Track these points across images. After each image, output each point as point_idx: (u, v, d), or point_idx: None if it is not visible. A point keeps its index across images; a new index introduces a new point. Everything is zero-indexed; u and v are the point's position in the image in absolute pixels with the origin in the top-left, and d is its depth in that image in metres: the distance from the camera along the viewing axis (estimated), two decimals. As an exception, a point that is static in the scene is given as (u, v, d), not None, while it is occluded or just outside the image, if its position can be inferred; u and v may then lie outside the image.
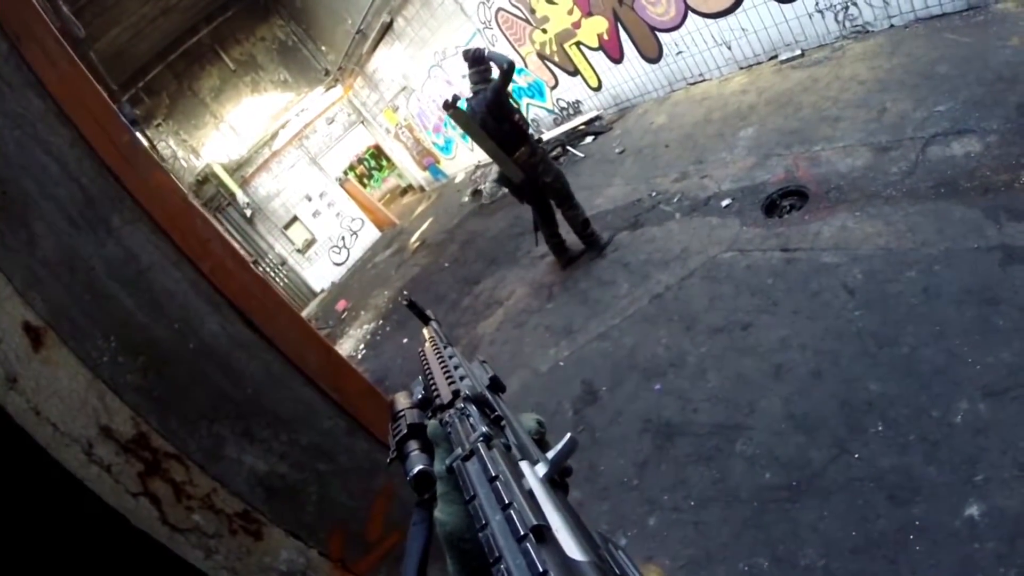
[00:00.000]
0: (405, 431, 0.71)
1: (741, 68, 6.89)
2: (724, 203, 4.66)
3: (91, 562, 1.24)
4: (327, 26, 13.47)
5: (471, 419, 0.59)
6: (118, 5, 9.54)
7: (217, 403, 1.52)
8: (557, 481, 0.53)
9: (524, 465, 0.48)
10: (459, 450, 0.52)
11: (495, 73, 4.75)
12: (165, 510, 1.35)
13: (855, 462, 2.37)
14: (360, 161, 18.24)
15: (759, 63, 6.64)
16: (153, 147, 12.06)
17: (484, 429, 0.54)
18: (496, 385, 0.74)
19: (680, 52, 7.34)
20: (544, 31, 8.75)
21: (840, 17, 5.63)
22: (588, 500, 3.04)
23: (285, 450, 1.59)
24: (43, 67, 1.44)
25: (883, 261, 3.13)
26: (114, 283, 1.43)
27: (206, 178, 13.58)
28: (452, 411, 0.62)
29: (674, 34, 7.18)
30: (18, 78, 1.41)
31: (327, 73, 14.59)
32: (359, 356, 7.92)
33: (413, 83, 12.66)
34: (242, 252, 10.54)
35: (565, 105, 9.75)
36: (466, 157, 13.11)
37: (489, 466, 0.46)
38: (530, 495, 0.43)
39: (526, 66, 9.60)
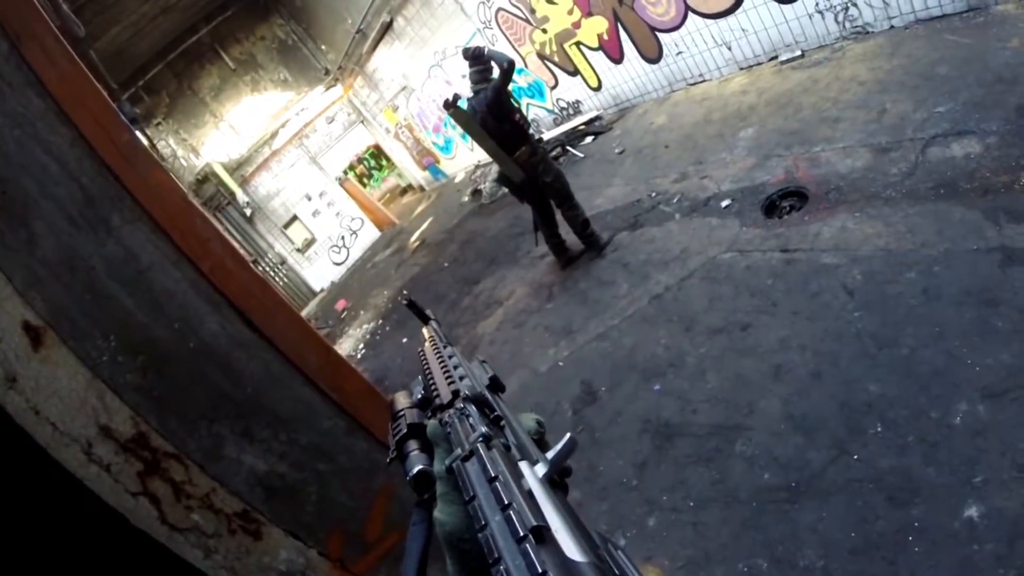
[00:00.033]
0: (405, 431, 0.71)
1: (741, 69, 6.89)
2: (724, 204, 4.66)
3: (91, 562, 1.24)
4: (327, 25, 13.47)
5: (471, 419, 0.59)
6: (118, 4, 9.54)
7: (217, 403, 1.52)
8: (557, 481, 0.53)
9: (524, 465, 0.48)
10: (459, 450, 0.52)
11: (496, 72, 4.75)
12: (164, 510, 1.34)
13: (854, 463, 2.37)
14: (360, 161, 18.24)
15: (759, 64, 6.65)
16: (153, 146, 12.06)
17: (483, 429, 0.54)
18: (496, 385, 0.74)
19: (680, 52, 7.34)
20: (544, 31, 8.75)
21: (840, 18, 5.63)
22: (587, 500, 3.05)
23: (284, 450, 1.59)
24: (43, 66, 1.44)
25: (883, 262, 3.14)
26: (114, 283, 1.43)
27: (206, 177, 13.58)
28: (452, 411, 0.62)
29: (674, 34, 7.19)
30: (18, 77, 1.41)
31: (327, 72, 14.59)
32: (358, 356, 7.92)
33: (413, 83, 12.66)
34: (242, 251, 10.53)
35: (565, 105, 9.76)
36: (466, 157, 13.12)
37: (489, 466, 0.46)
38: (529, 495, 0.43)
39: (526, 66, 9.60)
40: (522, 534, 0.38)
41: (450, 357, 0.82)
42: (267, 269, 13.94)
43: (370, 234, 15.17)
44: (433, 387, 0.74)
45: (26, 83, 1.42)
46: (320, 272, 14.82)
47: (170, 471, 1.39)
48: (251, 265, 1.89)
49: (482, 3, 9.28)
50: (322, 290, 14.59)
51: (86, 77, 1.55)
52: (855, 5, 5.43)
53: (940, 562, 1.93)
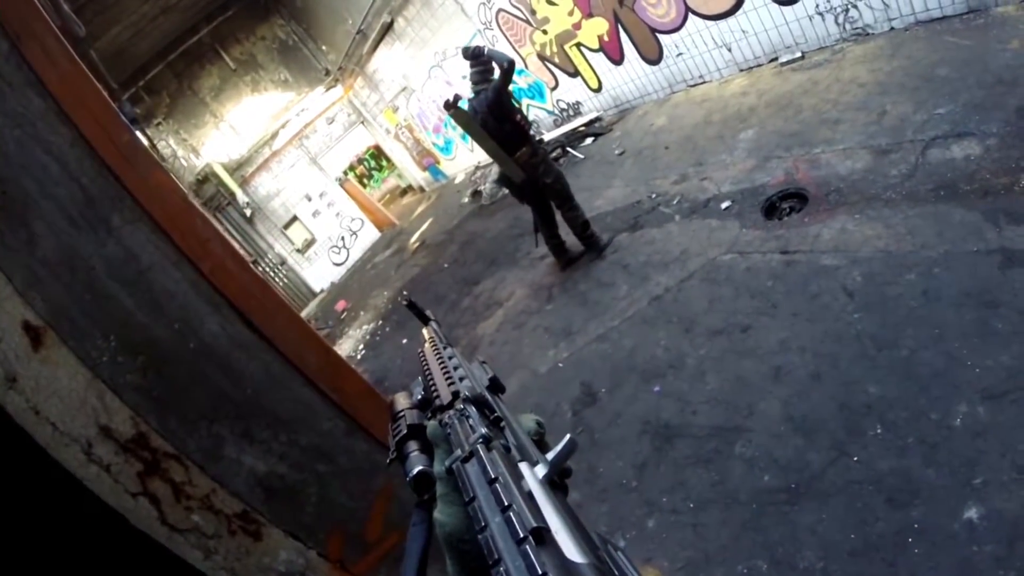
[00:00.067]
0: (405, 432, 0.71)
1: (741, 70, 6.89)
2: (724, 205, 4.66)
3: (90, 562, 1.24)
4: (328, 26, 13.48)
5: (471, 420, 0.59)
6: (119, 4, 9.54)
7: (217, 403, 1.52)
8: (556, 482, 0.53)
9: (524, 466, 0.48)
10: (459, 451, 0.52)
11: (496, 73, 4.75)
12: (164, 510, 1.34)
13: (854, 465, 2.37)
14: (360, 161, 18.26)
15: (759, 65, 6.65)
16: (153, 146, 12.06)
17: (483, 430, 0.54)
18: (496, 386, 0.74)
19: (680, 54, 7.35)
20: (544, 32, 8.75)
21: (840, 19, 5.64)
22: (587, 502, 3.04)
23: (284, 451, 1.59)
24: (43, 66, 1.44)
25: (882, 264, 3.14)
26: (114, 283, 1.43)
27: (206, 177, 13.58)
28: (452, 412, 0.62)
29: (674, 36, 7.19)
30: (18, 77, 1.41)
31: (327, 73, 14.60)
32: (358, 357, 7.92)
33: (413, 83, 12.67)
34: (242, 252, 10.54)
35: (565, 106, 9.76)
36: (466, 158, 13.12)
37: (488, 468, 0.46)
38: (529, 497, 0.43)
39: (526, 67, 9.61)
40: (522, 535, 0.38)
41: (450, 358, 0.82)
42: (267, 270, 13.94)
43: (370, 235, 15.18)
44: (433, 388, 0.74)
45: (26, 83, 1.42)
46: (320, 273, 14.82)
47: (170, 471, 1.39)
48: (251, 266, 1.89)
49: (483, 4, 9.29)
50: (322, 291, 14.59)
51: (86, 77, 1.55)
52: (855, 7, 5.43)
53: (940, 563, 1.93)
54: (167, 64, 13.19)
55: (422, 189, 16.38)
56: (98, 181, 1.47)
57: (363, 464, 1.74)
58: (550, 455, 0.52)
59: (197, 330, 1.53)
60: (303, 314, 12.58)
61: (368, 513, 1.72)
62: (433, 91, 12.11)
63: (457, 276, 7.70)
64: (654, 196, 5.64)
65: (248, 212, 13.87)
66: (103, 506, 1.26)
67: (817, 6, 5.70)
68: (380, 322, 8.57)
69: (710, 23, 6.71)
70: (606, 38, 8.02)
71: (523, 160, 4.85)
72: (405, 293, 8.60)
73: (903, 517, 2.10)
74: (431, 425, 0.61)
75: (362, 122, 15.86)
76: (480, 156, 11.37)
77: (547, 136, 9.33)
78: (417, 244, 11.11)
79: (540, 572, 0.35)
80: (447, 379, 0.73)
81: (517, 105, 5.05)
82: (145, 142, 9.29)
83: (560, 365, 4.35)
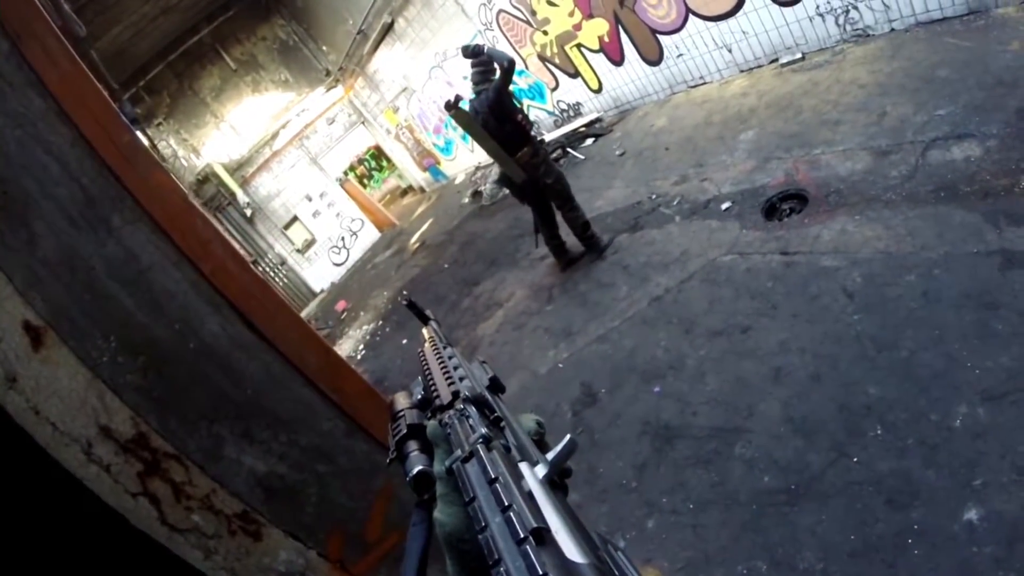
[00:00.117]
0: (404, 431, 0.71)
1: (742, 71, 6.89)
2: (724, 206, 4.66)
3: (90, 562, 1.24)
4: (328, 26, 13.48)
5: (471, 420, 0.59)
6: (119, 4, 9.54)
7: (217, 404, 1.52)
8: (557, 482, 0.53)
9: (524, 466, 0.48)
10: (459, 451, 0.52)
11: (498, 74, 4.75)
12: (164, 510, 1.34)
13: (854, 466, 2.37)
14: (360, 162, 18.26)
15: (760, 66, 6.65)
16: (153, 146, 12.06)
17: (483, 430, 0.54)
18: (496, 386, 0.74)
19: (681, 55, 7.35)
20: (545, 33, 8.76)
21: (841, 21, 5.64)
22: (587, 502, 3.04)
23: (284, 451, 1.59)
24: (44, 66, 1.44)
25: (882, 265, 3.14)
26: (114, 283, 1.43)
27: (206, 177, 13.59)
28: (451, 412, 0.62)
29: (675, 36, 7.19)
30: (19, 77, 1.41)
31: (328, 73, 14.60)
32: (358, 357, 7.92)
33: (414, 84, 12.67)
34: (242, 252, 10.55)
35: (565, 107, 9.76)
36: (466, 158, 13.12)
37: (489, 468, 0.46)
38: (530, 497, 0.43)
39: (527, 68, 9.61)
40: (522, 535, 0.38)
41: (450, 358, 0.82)
42: (267, 270, 13.95)
43: (370, 235, 15.18)
44: (433, 388, 0.74)
45: (27, 83, 1.42)
46: (320, 273, 14.82)
47: (170, 472, 1.39)
48: (251, 266, 1.89)
49: (483, 4, 9.29)
50: (322, 291, 14.59)
51: (87, 77, 1.55)
52: (856, 8, 5.44)
53: (939, 565, 1.93)
54: (168, 64, 13.20)
55: (422, 189, 16.38)
56: (98, 181, 1.47)
57: (363, 464, 1.74)
58: (550, 455, 0.52)
59: (197, 330, 1.53)
60: (303, 314, 12.58)
61: (368, 513, 1.72)
62: (433, 92, 12.11)
63: (457, 277, 7.70)
64: (654, 197, 5.64)
65: (248, 212, 13.87)
66: (103, 506, 1.26)
67: (817, 7, 5.70)
68: (380, 322, 8.57)
69: (710, 24, 6.71)
70: (606, 39, 8.02)
71: (524, 160, 4.85)
72: (405, 293, 8.60)
73: (903, 518, 2.10)
74: (431, 425, 0.61)
75: (362, 122, 15.86)
76: (480, 157, 11.38)
77: (548, 137, 9.33)
78: (417, 244, 11.12)
79: (540, 572, 0.35)
80: (447, 379, 0.73)
81: (518, 105, 5.05)
82: (145, 142, 9.29)
83: (560, 366, 4.35)
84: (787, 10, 5.96)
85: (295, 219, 14.72)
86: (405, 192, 18.00)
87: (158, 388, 1.43)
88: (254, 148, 14.28)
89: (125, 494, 1.30)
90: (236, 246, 10.30)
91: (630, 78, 8.26)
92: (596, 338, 4.33)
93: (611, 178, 6.86)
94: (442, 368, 0.78)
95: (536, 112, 10.28)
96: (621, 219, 5.72)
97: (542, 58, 9.26)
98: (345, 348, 8.62)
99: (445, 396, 0.68)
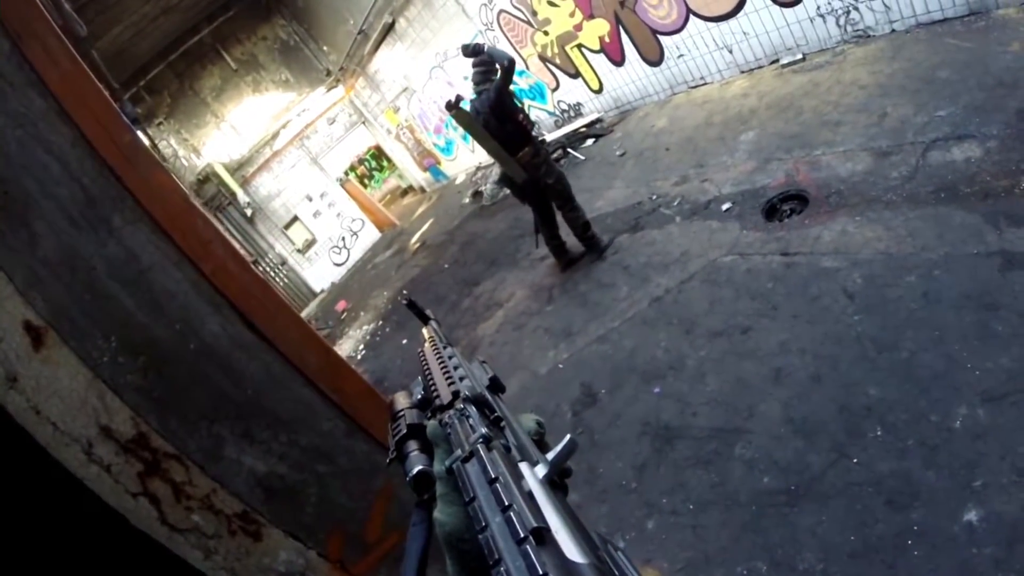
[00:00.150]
0: (404, 431, 0.71)
1: (742, 72, 6.89)
2: (724, 207, 4.66)
3: (91, 562, 1.24)
4: (329, 26, 13.49)
5: (471, 420, 0.59)
6: (120, 3, 9.54)
7: (217, 404, 1.52)
8: (557, 482, 0.53)
9: (524, 466, 0.48)
10: (459, 451, 0.52)
11: (499, 74, 4.75)
12: (164, 510, 1.35)
13: (854, 467, 2.37)
14: (361, 162, 18.26)
15: (760, 67, 6.65)
16: (154, 146, 12.06)
17: (484, 430, 0.54)
18: (496, 386, 0.74)
19: (681, 55, 7.35)
20: (546, 33, 8.76)
21: (842, 21, 5.64)
22: (587, 503, 3.04)
23: (284, 451, 1.59)
24: (45, 66, 1.45)
25: (883, 266, 3.14)
26: (115, 283, 1.43)
27: (207, 177, 13.59)
28: (452, 412, 0.62)
29: (675, 37, 7.19)
30: (20, 77, 1.41)
31: (328, 73, 14.61)
32: (358, 357, 7.92)
33: (414, 84, 12.68)
34: (242, 252, 10.55)
35: (566, 107, 9.76)
36: (467, 158, 13.13)
37: (489, 468, 0.46)
38: (530, 497, 0.43)
39: (527, 68, 9.61)
40: (522, 535, 0.38)
41: (450, 357, 0.82)
42: (267, 270, 13.95)
43: (370, 235, 15.18)
44: (433, 387, 0.74)
45: (28, 83, 1.42)
46: (320, 273, 14.82)
47: (170, 472, 1.39)
48: (252, 266, 1.89)
49: (484, 5, 9.29)
50: (322, 291, 14.59)
51: (88, 77, 1.55)
52: (856, 9, 5.44)
53: (939, 566, 1.93)
54: (168, 64, 13.20)
55: (423, 190, 16.38)
56: (99, 181, 1.47)
57: (363, 464, 1.74)
58: (550, 455, 0.52)
59: (198, 330, 1.54)
60: (303, 314, 12.59)
61: (368, 513, 1.72)
62: (434, 92, 12.12)
63: (457, 277, 7.70)
64: (655, 197, 5.64)
65: (249, 212, 13.87)
66: (103, 506, 1.26)
67: (818, 8, 5.70)
68: (380, 322, 8.57)
69: (711, 25, 6.71)
70: (607, 39, 8.02)
71: (525, 160, 4.85)
72: (405, 293, 8.60)
73: (903, 519, 2.10)
74: (431, 425, 0.61)
75: (363, 122, 15.86)
76: (481, 157, 11.38)
77: (549, 137, 9.33)
78: (417, 245, 11.12)
79: (540, 572, 0.35)
80: (447, 379, 0.73)
81: (519, 105, 5.05)
82: (146, 142, 9.28)
83: (560, 366, 4.35)
84: (788, 11, 5.96)
85: (295, 219, 14.71)
86: (405, 192, 18.00)
87: (158, 388, 1.43)
88: (254, 148, 14.29)
89: (125, 494, 1.30)
90: (236, 246, 10.30)
91: (631, 78, 8.26)
92: (596, 338, 4.33)
93: (611, 178, 6.86)
94: (442, 368, 0.78)
95: (537, 112, 10.28)
96: (621, 219, 5.72)
97: (543, 58, 9.26)
98: (345, 348, 8.63)
99: (445, 396, 0.68)
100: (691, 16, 6.82)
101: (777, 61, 6.40)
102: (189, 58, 13.53)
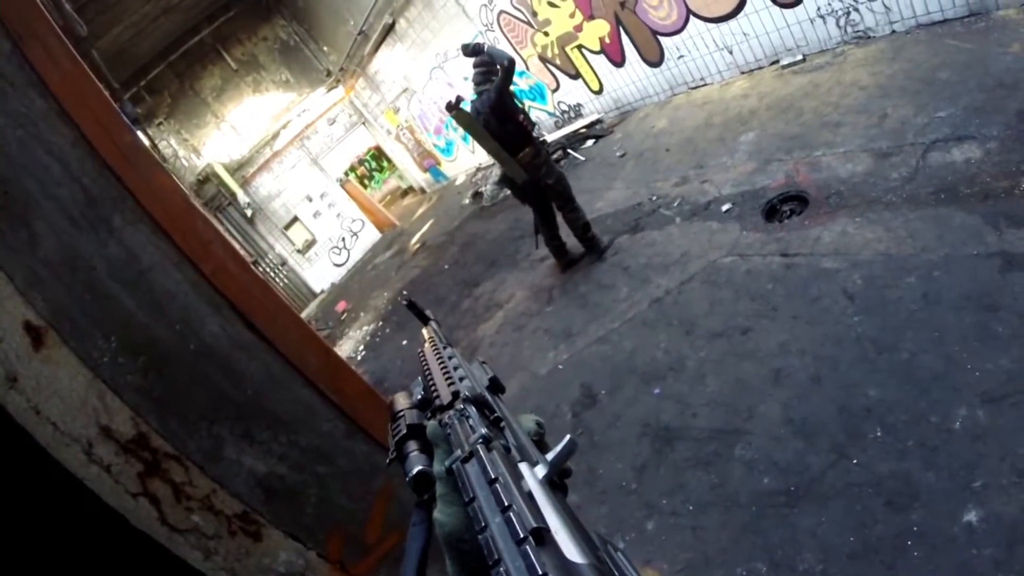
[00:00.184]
0: (404, 431, 0.71)
1: (742, 72, 6.90)
2: (724, 208, 4.66)
3: (91, 562, 1.24)
4: (329, 27, 13.49)
5: (470, 420, 0.59)
6: (120, 3, 9.55)
7: (217, 404, 1.52)
8: (556, 483, 0.53)
9: (524, 467, 0.48)
10: (459, 452, 0.52)
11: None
12: (164, 510, 1.35)
13: (854, 468, 2.37)
14: (361, 162, 18.27)
15: (760, 68, 6.65)
16: (154, 146, 12.07)
17: (483, 431, 0.54)
18: (496, 386, 0.75)
19: (681, 56, 7.35)
20: (546, 34, 8.76)
21: (842, 22, 5.64)
22: (586, 504, 3.04)
23: (284, 452, 1.59)
24: (45, 66, 1.45)
25: (883, 267, 3.14)
26: (115, 283, 1.43)
27: (207, 177, 13.59)
28: (451, 412, 0.62)
29: (676, 38, 7.20)
30: (20, 77, 1.41)
31: (329, 74, 14.61)
32: (358, 357, 7.92)
33: (414, 85, 12.68)
34: (242, 252, 10.55)
35: (566, 108, 9.77)
36: (467, 159, 13.13)
37: (488, 468, 0.46)
38: (529, 497, 0.43)
39: (528, 69, 9.61)
40: (522, 536, 0.38)
41: (450, 358, 0.82)
42: (268, 270, 13.94)
43: (371, 236, 15.17)
44: (433, 388, 0.74)
45: (28, 83, 1.42)
46: (320, 273, 14.82)
47: (170, 472, 1.39)
48: (252, 266, 1.89)
49: (484, 5, 9.30)
50: (322, 291, 14.59)
51: (88, 77, 1.55)
52: (857, 10, 5.44)
53: (939, 567, 1.93)
54: (169, 64, 13.20)
55: (423, 190, 16.38)
56: (99, 181, 1.47)
57: (363, 465, 1.74)
58: (550, 455, 0.52)
59: (198, 331, 1.54)
60: (303, 315, 12.59)
61: (368, 514, 1.72)
62: (434, 92, 12.12)
63: (457, 278, 7.70)
64: (655, 198, 5.64)
65: (249, 212, 13.87)
66: (103, 506, 1.26)
67: (818, 9, 5.70)
68: (380, 323, 8.57)
69: (711, 25, 6.72)
70: (607, 40, 8.02)
71: (526, 161, 4.85)
72: (405, 293, 8.60)
73: (903, 520, 2.10)
74: (431, 425, 0.61)
75: (363, 123, 15.87)
76: (481, 157, 11.38)
77: (549, 138, 9.33)
78: (417, 245, 11.12)
79: (540, 572, 0.35)
80: (447, 379, 0.73)
81: (520, 106, 5.05)
82: (146, 142, 9.29)
83: (560, 367, 4.35)
84: (788, 12, 5.96)
85: (295, 219, 14.71)
86: (405, 193, 18.00)
87: (158, 388, 1.43)
88: (255, 148, 14.29)
89: (125, 494, 1.30)
90: (236, 247, 10.31)
91: (631, 79, 8.26)
92: (596, 339, 4.33)
93: (611, 179, 6.86)
94: (442, 368, 0.78)
95: (537, 113, 10.28)
96: (621, 220, 5.72)
97: (543, 59, 9.27)
98: (345, 349, 8.62)
99: (445, 396, 0.68)
100: (691, 17, 6.82)
101: (777, 62, 6.40)
102: (189, 58, 13.53)
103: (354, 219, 15.20)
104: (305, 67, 14.83)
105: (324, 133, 15.22)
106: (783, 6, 5.95)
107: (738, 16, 6.37)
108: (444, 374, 0.76)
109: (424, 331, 1.01)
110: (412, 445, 0.68)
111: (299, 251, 14.66)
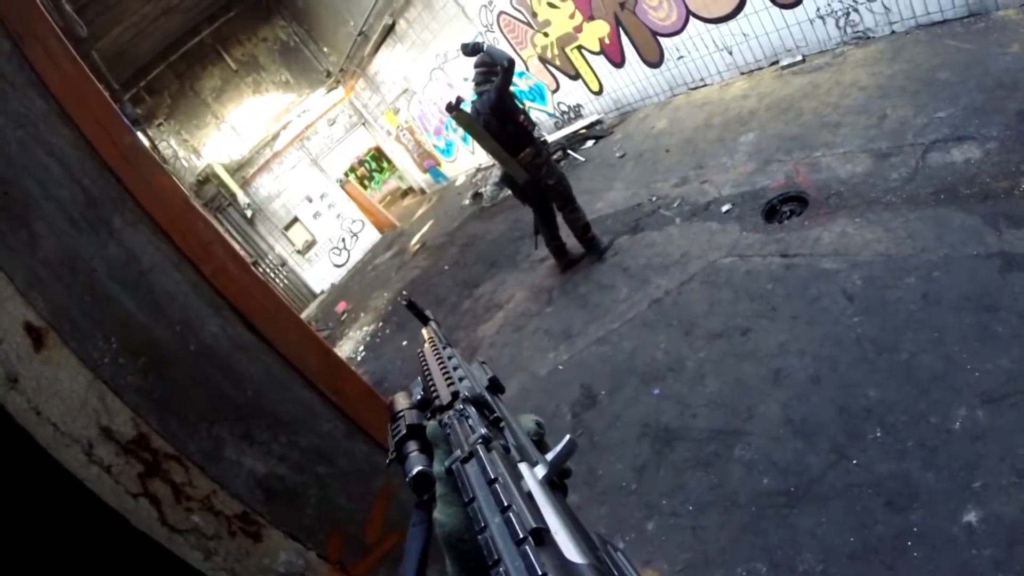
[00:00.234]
0: (404, 432, 0.71)
1: (742, 73, 6.90)
2: (724, 208, 4.66)
3: (91, 562, 1.24)
4: (329, 27, 13.49)
5: (470, 420, 0.59)
6: (120, 4, 9.55)
7: (217, 405, 1.52)
8: (556, 483, 0.53)
9: (523, 467, 0.48)
10: (458, 452, 0.52)
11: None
12: (165, 511, 1.35)
13: (853, 468, 2.37)
14: (361, 163, 18.28)
15: (760, 68, 6.66)
16: (154, 147, 12.07)
17: (483, 431, 0.54)
18: (495, 386, 0.75)
19: (681, 57, 7.35)
20: (546, 35, 8.76)
21: (841, 23, 5.64)
22: (586, 504, 3.04)
23: (284, 452, 1.59)
24: (45, 67, 1.45)
25: (882, 267, 3.14)
26: (115, 284, 1.44)
27: (207, 178, 13.59)
28: (451, 412, 0.62)
29: (675, 39, 7.20)
30: (20, 78, 1.41)
31: (329, 74, 14.61)
32: (358, 358, 7.92)
33: (414, 85, 12.68)
34: (242, 253, 10.55)
35: (566, 109, 9.77)
36: (467, 160, 13.13)
37: (488, 468, 0.46)
38: (529, 497, 0.43)
39: (527, 69, 9.61)
40: (522, 536, 0.38)
41: (449, 358, 0.82)
42: (267, 271, 13.94)
43: (370, 236, 15.17)
44: (432, 388, 0.74)
45: (28, 84, 1.42)
46: (320, 274, 14.82)
47: (170, 472, 1.39)
48: (252, 267, 1.89)
49: (484, 6, 9.30)
50: (322, 292, 14.59)
51: (88, 78, 1.55)
52: (856, 10, 5.44)
53: (939, 567, 1.93)
54: (168, 65, 13.21)
55: (423, 191, 16.38)
56: (99, 182, 1.47)
57: (363, 466, 1.74)
58: (550, 455, 0.52)
59: (198, 332, 1.54)
60: (303, 315, 12.58)
61: (368, 514, 1.72)
62: (434, 93, 12.12)
63: (457, 278, 7.70)
64: (655, 199, 5.64)
65: (249, 213, 13.87)
66: (104, 507, 1.26)
67: (818, 10, 5.70)
68: (380, 324, 8.57)
69: (711, 26, 6.72)
70: (607, 41, 8.02)
71: (526, 161, 4.85)
72: (405, 294, 8.60)
73: (902, 520, 2.10)
74: (431, 425, 0.61)
75: (363, 124, 15.87)
76: (481, 158, 11.38)
77: (549, 138, 9.32)
78: (417, 246, 11.12)
79: (540, 572, 0.35)
80: (447, 379, 0.73)
81: (520, 106, 5.05)
82: (146, 143, 9.29)
83: (560, 367, 4.35)
84: (787, 12, 5.96)
85: (295, 220, 14.71)
86: (405, 193, 18.00)
87: (159, 389, 1.43)
88: (255, 149, 14.29)
89: (126, 495, 1.30)
90: (236, 247, 10.30)
91: (631, 80, 8.26)
92: (596, 340, 4.33)
93: (611, 180, 6.86)
94: (442, 368, 0.79)
95: (537, 114, 10.28)
96: (621, 221, 5.72)
97: (543, 60, 9.27)
98: (345, 349, 8.62)
99: (445, 396, 0.68)
100: (691, 18, 6.83)
101: (777, 63, 6.40)
102: (189, 59, 13.54)
103: (354, 220, 15.20)
104: (305, 68, 14.84)
105: (324, 134, 15.22)
106: (783, 7, 5.95)
107: (738, 17, 6.38)
108: (444, 374, 0.76)
109: (424, 331, 1.01)
110: (412, 445, 0.68)
111: (299, 252, 14.66)
